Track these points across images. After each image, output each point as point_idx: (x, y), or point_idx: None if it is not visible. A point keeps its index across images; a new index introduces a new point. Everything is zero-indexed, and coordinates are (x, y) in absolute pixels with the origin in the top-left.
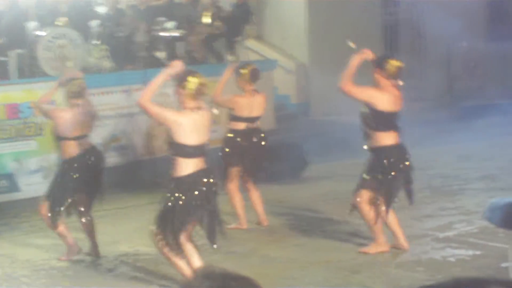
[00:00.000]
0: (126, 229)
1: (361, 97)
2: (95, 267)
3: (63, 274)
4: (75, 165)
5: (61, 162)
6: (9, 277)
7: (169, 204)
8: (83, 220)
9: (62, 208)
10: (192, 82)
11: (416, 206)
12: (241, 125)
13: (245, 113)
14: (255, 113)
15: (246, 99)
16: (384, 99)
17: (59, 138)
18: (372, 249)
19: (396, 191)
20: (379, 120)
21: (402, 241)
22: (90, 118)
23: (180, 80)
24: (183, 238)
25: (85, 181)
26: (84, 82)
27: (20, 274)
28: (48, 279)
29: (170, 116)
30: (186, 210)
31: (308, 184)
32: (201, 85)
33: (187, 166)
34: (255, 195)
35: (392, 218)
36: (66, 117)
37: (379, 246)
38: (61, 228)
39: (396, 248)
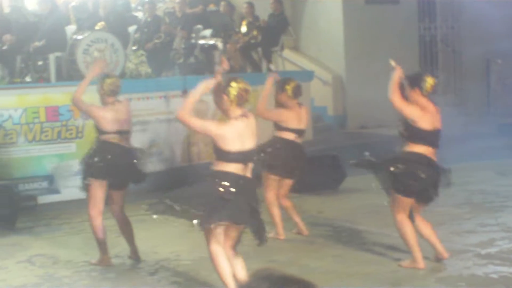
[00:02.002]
0: (166, 234)
1: (406, 112)
2: (135, 270)
3: (104, 277)
4: (106, 148)
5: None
6: (51, 277)
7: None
8: (119, 219)
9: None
10: (234, 87)
11: (456, 221)
12: (290, 135)
13: (294, 125)
14: (302, 125)
15: (293, 112)
16: (426, 119)
17: (98, 131)
18: (406, 263)
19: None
20: (416, 134)
21: (441, 250)
22: (126, 115)
23: (223, 87)
24: (225, 242)
25: (112, 171)
26: (118, 80)
27: (61, 275)
28: (89, 281)
29: (212, 129)
30: (223, 202)
31: (346, 196)
32: (243, 90)
33: (228, 167)
34: (289, 205)
35: (429, 232)
36: (102, 114)
37: (414, 262)
38: (100, 227)
39: (437, 260)
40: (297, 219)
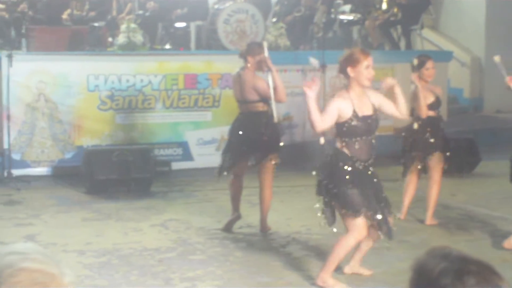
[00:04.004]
0: (298, 208)
1: None
2: (267, 241)
3: (236, 245)
4: (235, 124)
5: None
6: (184, 242)
7: None
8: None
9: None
10: None
11: None
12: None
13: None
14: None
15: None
16: None
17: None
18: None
19: None
20: None
21: None
22: (245, 84)
23: None
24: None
25: (243, 142)
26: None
27: (194, 240)
28: (221, 248)
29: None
30: None
31: (480, 181)
32: None
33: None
34: (434, 189)
35: None
36: (234, 80)
37: None
38: (236, 188)
39: None
40: (430, 204)
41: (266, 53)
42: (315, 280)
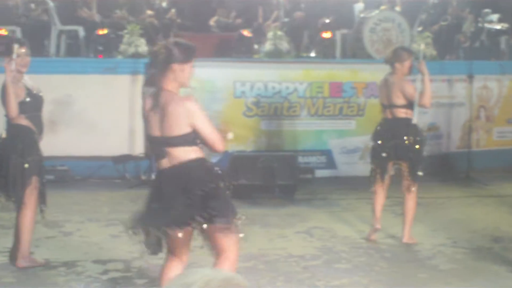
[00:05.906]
0: (443, 220)
1: None
2: (412, 253)
3: (381, 256)
4: (377, 130)
5: None
6: (329, 251)
7: None
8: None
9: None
10: None
11: None
12: None
13: None
14: None
15: None
16: None
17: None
18: None
19: None
20: None
21: None
22: (391, 90)
23: None
24: None
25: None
26: (387, 54)
27: (339, 249)
28: (366, 258)
29: None
30: None
31: None
32: None
33: None
34: None
35: None
36: (381, 85)
37: None
38: (378, 197)
39: None
40: None
41: (421, 57)
42: None
